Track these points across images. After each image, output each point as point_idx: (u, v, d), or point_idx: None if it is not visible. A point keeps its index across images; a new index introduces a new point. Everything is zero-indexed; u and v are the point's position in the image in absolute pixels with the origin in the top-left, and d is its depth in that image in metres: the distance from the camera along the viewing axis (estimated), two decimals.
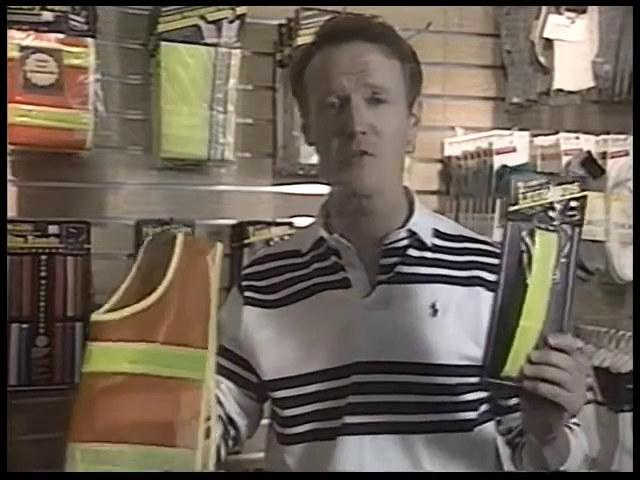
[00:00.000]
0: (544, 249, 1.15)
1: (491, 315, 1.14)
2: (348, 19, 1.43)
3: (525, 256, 1.14)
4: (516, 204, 1.19)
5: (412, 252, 1.32)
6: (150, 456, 1.15)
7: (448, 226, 1.40)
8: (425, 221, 1.35)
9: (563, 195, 1.21)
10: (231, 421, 1.39)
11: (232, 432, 1.40)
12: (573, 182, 1.25)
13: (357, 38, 1.27)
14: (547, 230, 1.16)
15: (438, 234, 1.35)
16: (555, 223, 1.17)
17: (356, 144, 1.24)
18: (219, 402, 1.36)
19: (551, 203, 1.19)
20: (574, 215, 1.19)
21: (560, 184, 1.22)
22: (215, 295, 1.22)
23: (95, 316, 1.18)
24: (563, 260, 1.15)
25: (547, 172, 1.26)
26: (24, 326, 1.85)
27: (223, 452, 1.37)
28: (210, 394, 1.19)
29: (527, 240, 1.15)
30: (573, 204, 1.20)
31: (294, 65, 1.37)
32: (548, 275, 1.14)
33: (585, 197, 1.23)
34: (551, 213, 1.18)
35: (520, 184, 1.21)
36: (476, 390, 1.28)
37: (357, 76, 1.25)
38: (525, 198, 1.19)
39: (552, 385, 1.09)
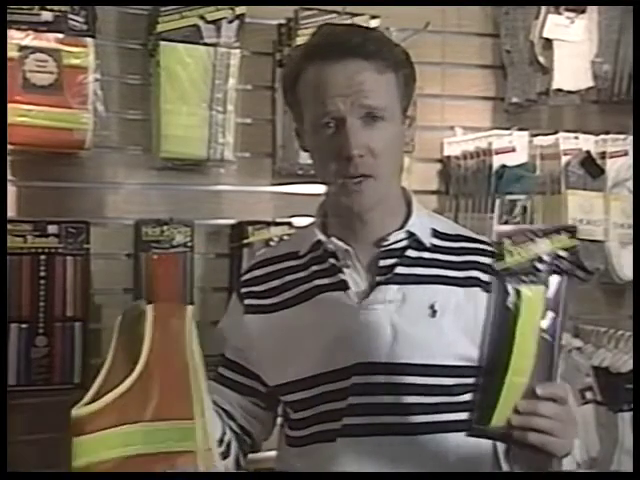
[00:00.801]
0: (530, 305, 1.14)
1: (478, 368, 1.15)
2: (342, 33, 1.35)
3: (512, 312, 1.14)
4: (502, 260, 1.18)
5: (411, 253, 1.32)
6: None
7: (446, 226, 1.40)
8: (423, 221, 1.35)
9: (551, 246, 1.19)
10: (244, 431, 1.41)
11: (248, 441, 1.42)
12: (560, 231, 1.23)
13: (351, 55, 1.25)
14: (533, 283, 1.16)
15: (436, 234, 1.35)
16: (542, 275, 1.16)
17: (354, 167, 1.24)
18: (230, 416, 1.37)
19: (538, 255, 1.19)
20: (563, 264, 1.18)
21: (547, 234, 1.21)
22: (197, 357, 1.20)
23: (76, 411, 1.16)
24: (551, 312, 1.15)
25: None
26: (23, 326, 1.84)
27: (242, 461, 1.39)
28: (207, 460, 1.18)
29: (513, 296, 1.15)
30: (562, 253, 1.19)
31: (286, 75, 1.35)
32: (535, 329, 1.14)
33: (575, 246, 1.21)
34: (538, 265, 1.17)
35: (506, 240, 1.20)
36: (469, 391, 1.28)
37: (352, 97, 1.23)
38: (512, 255, 1.18)
39: (540, 434, 1.11)
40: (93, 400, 1.16)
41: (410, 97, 1.32)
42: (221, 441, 1.32)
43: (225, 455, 1.33)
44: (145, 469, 1.15)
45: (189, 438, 1.17)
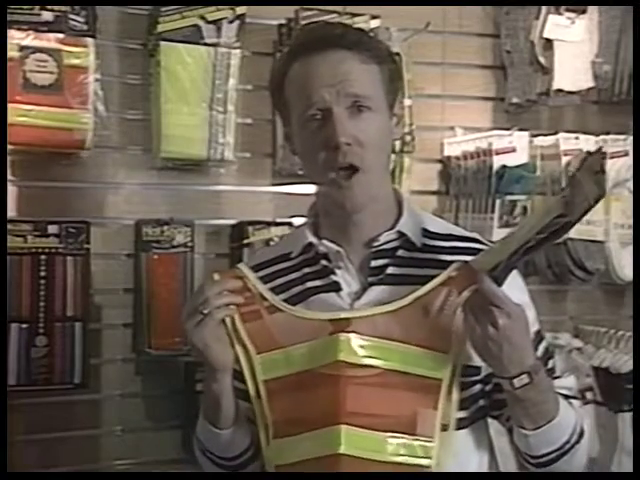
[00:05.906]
0: None
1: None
2: (322, 27, 1.38)
3: None
4: None
5: (402, 253, 1.32)
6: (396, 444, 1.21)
7: (437, 225, 1.38)
8: (414, 222, 1.34)
9: None
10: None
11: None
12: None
13: (333, 46, 1.25)
14: None
15: (427, 234, 1.34)
16: None
17: (342, 156, 1.23)
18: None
19: None
20: None
21: None
22: None
23: (345, 314, 1.25)
24: None
25: None
26: (24, 326, 1.84)
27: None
28: (450, 395, 1.23)
29: None
30: None
31: (273, 77, 1.35)
32: None
33: None
34: None
35: None
36: (467, 388, 1.28)
37: (337, 87, 1.24)
38: None
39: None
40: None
41: (396, 93, 1.33)
42: (250, 447, 1.33)
43: (254, 459, 1.34)
44: (396, 387, 1.22)
45: (439, 368, 1.24)
